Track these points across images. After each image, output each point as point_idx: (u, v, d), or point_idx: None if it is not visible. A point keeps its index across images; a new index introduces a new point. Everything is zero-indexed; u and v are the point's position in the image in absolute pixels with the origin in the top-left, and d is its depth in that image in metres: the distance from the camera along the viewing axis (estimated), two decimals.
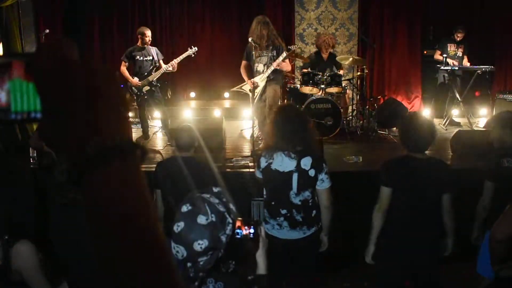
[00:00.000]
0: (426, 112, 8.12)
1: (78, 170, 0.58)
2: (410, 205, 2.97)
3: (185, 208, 1.58)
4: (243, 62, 6.01)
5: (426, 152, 3.04)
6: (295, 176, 2.98)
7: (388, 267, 3.10)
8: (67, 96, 0.57)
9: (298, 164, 2.97)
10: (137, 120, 6.97)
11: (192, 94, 9.36)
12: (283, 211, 3.05)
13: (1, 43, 6.65)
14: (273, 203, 3.09)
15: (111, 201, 0.58)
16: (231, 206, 1.62)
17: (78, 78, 0.58)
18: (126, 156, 0.59)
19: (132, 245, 0.58)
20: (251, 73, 5.97)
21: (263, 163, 3.07)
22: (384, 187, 3.00)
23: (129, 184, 0.60)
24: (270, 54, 5.83)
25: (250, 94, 5.97)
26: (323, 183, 3.01)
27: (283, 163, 3.00)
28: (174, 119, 6.49)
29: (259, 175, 3.17)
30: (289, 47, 6.02)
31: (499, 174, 3.18)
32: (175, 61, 6.43)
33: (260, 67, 5.88)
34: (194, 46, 6.60)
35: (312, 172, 2.97)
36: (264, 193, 3.19)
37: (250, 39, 5.77)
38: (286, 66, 6.01)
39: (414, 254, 3.00)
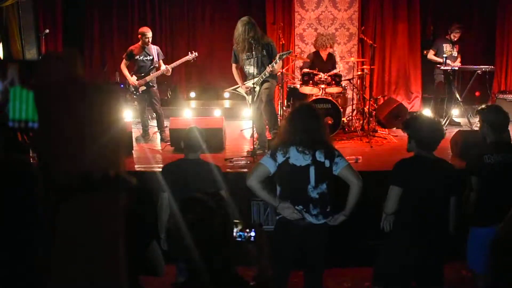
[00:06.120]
0: (426, 112, 8.12)
1: (58, 196, 0.59)
2: (419, 205, 3.00)
3: None
4: (233, 65, 5.91)
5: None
6: (312, 169, 3.06)
7: (393, 266, 3.09)
8: (63, 113, 0.58)
9: (314, 158, 3.05)
10: (137, 120, 6.98)
11: (192, 94, 9.36)
12: (299, 207, 3.08)
13: (1, 43, 6.65)
14: (288, 200, 3.09)
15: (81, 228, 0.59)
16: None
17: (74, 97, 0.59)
18: (106, 189, 0.60)
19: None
20: (243, 76, 5.92)
21: (281, 157, 3.07)
22: (395, 186, 3.03)
23: (103, 215, 0.60)
24: (260, 55, 5.61)
25: (246, 96, 5.94)
26: (338, 165, 3.09)
27: (298, 157, 3.05)
28: (174, 119, 6.47)
29: (269, 163, 3.06)
30: (282, 53, 5.70)
31: (482, 170, 3.23)
32: (171, 66, 6.45)
33: (251, 69, 5.67)
34: (194, 51, 6.60)
35: (327, 163, 3.07)
36: (278, 191, 3.18)
37: (234, 43, 5.68)
38: (277, 69, 5.82)
39: (420, 254, 3.01)
